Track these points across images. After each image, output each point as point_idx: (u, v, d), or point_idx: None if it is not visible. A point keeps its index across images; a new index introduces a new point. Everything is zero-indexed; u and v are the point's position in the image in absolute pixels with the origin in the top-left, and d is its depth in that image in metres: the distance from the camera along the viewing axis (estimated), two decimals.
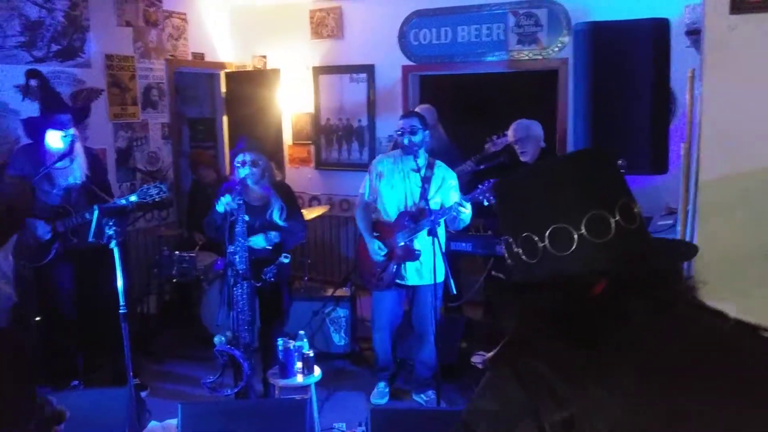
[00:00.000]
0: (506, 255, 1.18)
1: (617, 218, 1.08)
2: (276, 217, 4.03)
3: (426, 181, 4.09)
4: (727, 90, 2.09)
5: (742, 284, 1.92)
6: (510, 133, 4.74)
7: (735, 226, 1.97)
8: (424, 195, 4.07)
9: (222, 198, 3.88)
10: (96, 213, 3.59)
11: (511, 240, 1.16)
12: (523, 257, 1.13)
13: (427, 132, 4.18)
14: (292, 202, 4.23)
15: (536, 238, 1.10)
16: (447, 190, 4.12)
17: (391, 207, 4.23)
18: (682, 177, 2.81)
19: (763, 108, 2.03)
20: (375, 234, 4.26)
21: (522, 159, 4.69)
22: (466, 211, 3.95)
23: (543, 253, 1.10)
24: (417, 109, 5.27)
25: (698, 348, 1.06)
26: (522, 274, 1.14)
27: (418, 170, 4.03)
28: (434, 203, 4.06)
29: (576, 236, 1.08)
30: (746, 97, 2.05)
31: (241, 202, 3.88)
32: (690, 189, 2.57)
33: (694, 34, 3.74)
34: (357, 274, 4.76)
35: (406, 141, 4.06)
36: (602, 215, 1.08)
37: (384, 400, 4.49)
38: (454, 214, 3.93)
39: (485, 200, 3.84)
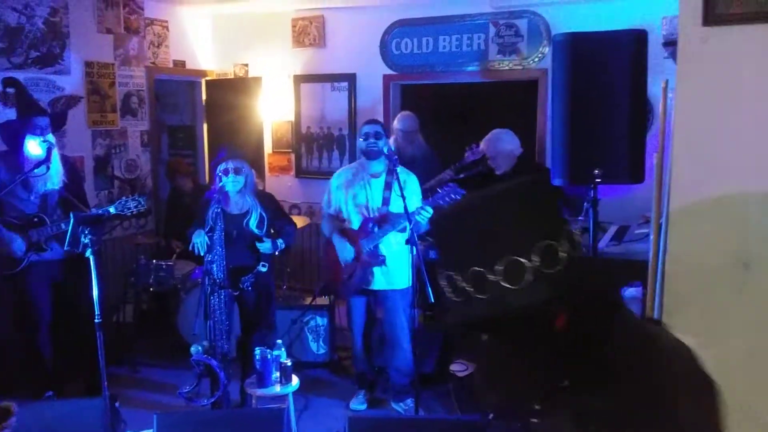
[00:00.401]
0: (450, 291, 1.14)
1: (565, 247, 1.08)
2: (252, 225, 4.02)
3: (388, 186, 4.15)
4: (699, 101, 2.11)
5: (715, 291, 1.93)
6: (482, 146, 4.76)
7: (707, 234, 1.99)
8: (387, 200, 4.14)
9: (197, 239, 3.90)
10: (72, 221, 3.54)
11: (454, 275, 1.13)
12: (473, 291, 1.10)
13: (387, 139, 4.30)
14: (278, 208, 4.32)
15: (487, 274, 1.07)
16: (410, 194, 4.13)
17: (354, 215, 4.26)
18: (654, 186, 2.83)
19: (733, 119, 2.05)
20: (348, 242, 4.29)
21: (497, 172, 4.70)
22: (426, 215, 3.95)
23: (494, 288, 1.07)
24: (399, 116, 5.30)
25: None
26: (475, 310, 1.10)
27: (389, 173, 4.09)
28: (397, 207, 4.08)
29: (529, 268, 1.06)
30: (718, 108, 2.07)
31: (219, 210, 3.87)
32: (663, 198, 2.59)
33: (671, 45, 3.79)
34: (326, 282, 4.81)
35: (373, 146, 4.14)
36: (552, 246, 1.08)
37: (362, 407, 4.48)
38: (417, 218, 3.93)
39: (444, 203, 3.87)
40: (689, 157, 2.12)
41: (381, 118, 6.18)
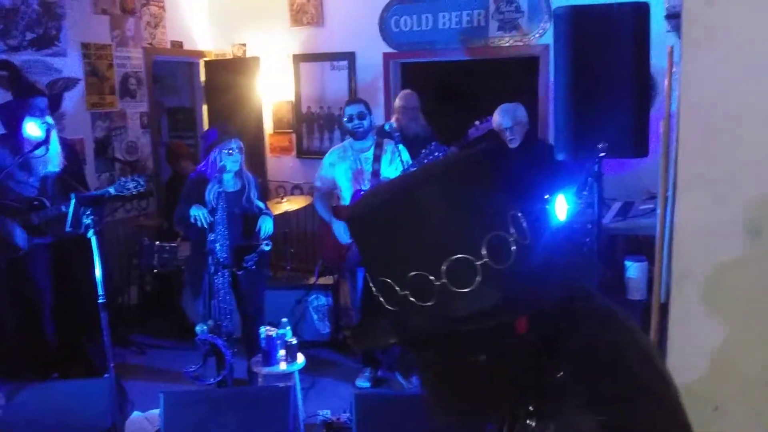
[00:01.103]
0: (383, 300, 0.95)
1: (514, 236, 0.91)
2: (254, 197, 4.06)
3: (377, 159, 4.25)
4: (706, 65, 2.08)
5: (722, 259, 1.92)
6: (495, 119, 4.67)
7: (715, 202, 1.98)
8: (377, 173, 4.23)
9: (195, 211, 3.87)
10: (73, 202, 3.53)
11: (389, 281, 0.93)
12: (413, 300, 0.91)
13: (372, 117, 4.43)
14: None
15: (430, 277, 0.90)
16: (397, 165, 4.16)
17: (347, 191, 4.38)
18: (661, 156, 2.81)
19: (741, 82, 2.03)
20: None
21: (511, 145, 4.64)
22: None
23: (441, 293, 0.90)
24: (400, 95, 5.26)
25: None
26: (421, 321, 0.92)
27: (377, 146, 4.25)
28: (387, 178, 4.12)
29: (479, 266, 0.89)
30: (725, 71, 2.05)
31: (221, 190, 3.86)
32: (669, 167, 2.58)
33: (674, 17, 3.75)
34: (325, 260, 4.89)
35: (359, 127, 4.29)
36: (501, 236, 0.91)
37: (367, 384, 4.51)
38: None
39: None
40: (696, 123, 2.10)
41: (382, 98, 6.17)
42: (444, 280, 0.89)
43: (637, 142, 3.37)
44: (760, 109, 1.98)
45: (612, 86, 3.31)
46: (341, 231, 4.31)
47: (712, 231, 1.94)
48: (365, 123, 4.31)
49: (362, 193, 4.27)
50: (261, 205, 4.12)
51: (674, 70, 3.28)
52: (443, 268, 0.89)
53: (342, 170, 4.40)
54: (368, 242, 0.97)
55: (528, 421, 0.97)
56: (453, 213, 0.90)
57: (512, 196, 0.96)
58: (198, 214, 3.83)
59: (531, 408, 0.97)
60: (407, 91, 5.30)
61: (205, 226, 3.80)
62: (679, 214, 2.05)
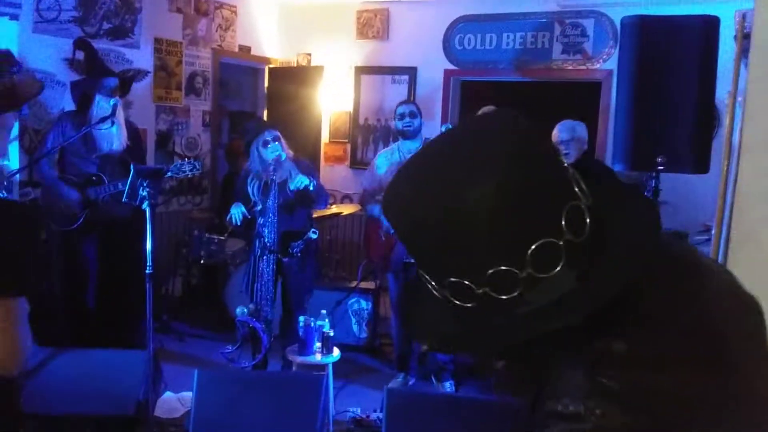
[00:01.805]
0: (456, 300, 0.87)
1: (567, 236, 0.83)
2: (299, 183, 3.95)
3: None
4: None
5: None
6: (554, 132, 4.64)
7: None
8: None
9: (234, 210, 3.98)
10: (132, 172, 3.62)
11: (465, 282, 0.85)
12: (494, 295, 0.84)
13: (422, 119, 4.49)
14: (311, 168, 4.30)
15: (514, 270, 0.83)
16: None
17: None
18: (722, 170, 2.74)
19: None
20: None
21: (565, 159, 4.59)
22: None
23: (526, 283, 0.83)
24: (483, 109, 5.25)
25: None
26: (505, 318, 0.85)
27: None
28: None
29: (562, 246, 0.82)
30: None
31: (269, 179, 3.90)
32: (733, 152, 2.48)
33: (744, 38, 3.68)
34: (369, 260, 4.85)
35: (408, 126, 4.33)
36: (575, 206, 0.84)
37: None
38: None
39: None
40: (761, 134, 2.03)
41: (439, 113, 6.20)
42: (530, 270, 0.82)
43: (698, 157, 3.30)
44: None
45: (676, 98, 3.27)
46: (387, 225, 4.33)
47: None
48: (415, 122, 4.37)
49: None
50: (305, 182, 3.97)
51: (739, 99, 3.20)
52: (528, 256, 0.82)
53: (391, 171, 4.38)
54: (428, 249, 0.88)
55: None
56: (523, 200, 0.82)
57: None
58: (234, 212, 3.95)
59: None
60: (491, 107, 5.31)
61: (238, 224, 3.89)
62: (741, 180, 1.98)
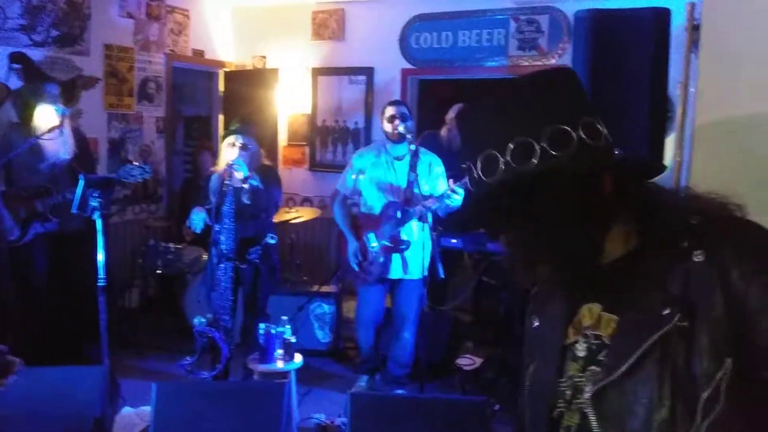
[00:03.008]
0: (481, 170, 1.07)
1: (605, 131, 1.05)
2: (243, 198, 3.83)
3: (413, 169, 3.98)
4: (725, 38, 2.03)
5: None
6: None
7: (731, 182, 1.89)
8: (412, 183, 3.98)
9: (195, 216, 3.90)
10: (81, 183, 3.50)
11: (494, 152, 1.05)
12: (515, 164, 1.03)
13: (412, 121, 4.18)
14: (270, 178, 4.12)
15: (533, 141, 1.02)
16: (435, 177, 4.05)
17: (376, 199, 4.13)
18: (674, 168, 2.75)
19: (761, 57, 1.97)
20: (366, 230, 4.16)
21: None
22: (458, 198, 3.84)
23: (542, 154, 1.01)
24: (454, 107, 5.22)
25: None
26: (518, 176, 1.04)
27: (414, 154, 3.95)
28: (423, 191, 3.98)
29: (575, 137, 1.01)
30: (745, 45, 2.00)
31: (229, 184, 3.82)
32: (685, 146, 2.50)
33: (695, 30, 3.71)
34: (343, 269, 4.54)
35: (400, 128, 3.98)
36: (594, 122, 1.04)
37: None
38: (447, 202, 3.83)
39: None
40: (715, 100, 2.04)
41: None
42: (544, 144, 1.02)
43: (653, 150, 3.30)
44: None
45: (629, 91, 3.26)
46: (352, 253, 4.14)
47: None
48: (407, 125, 4.02)
49: (394, 204, 4.04)
50: (246, 202, 3.83)
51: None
52: (547, 135, 1.02)
53: (374, 177, 4.14)
54: (479, 123, 1.11)
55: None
56: (560, 96, 1.06)
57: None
58: (195, 218, 3.90)
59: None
60: (460, 104, 5.28)
61: (197, 232, 3.79)
62: (695, 170, 1.97)
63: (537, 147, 1.01)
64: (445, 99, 6.32)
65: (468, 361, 4.77)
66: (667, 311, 0.96)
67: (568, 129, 1.01)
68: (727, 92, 2.30)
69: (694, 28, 3.71)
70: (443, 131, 5.10)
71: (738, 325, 0.93)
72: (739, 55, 2.36)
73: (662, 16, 3.27)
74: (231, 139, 3.96)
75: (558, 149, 1.01)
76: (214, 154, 6.03)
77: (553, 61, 5.56)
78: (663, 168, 1.10)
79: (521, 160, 1.02)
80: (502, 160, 1.03)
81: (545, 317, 1.18)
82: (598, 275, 1.07)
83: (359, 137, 6.45)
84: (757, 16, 2.53)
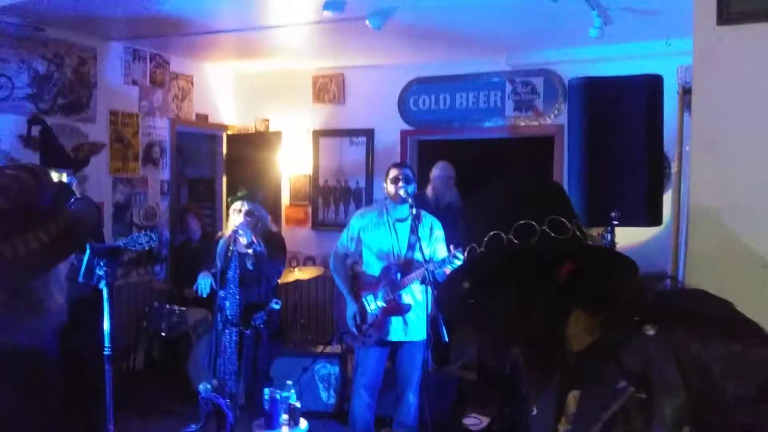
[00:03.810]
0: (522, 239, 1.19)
1: (575, 222, 1.18)
2: (247, 264, 3.96)
3: (413, 231, 3.99)
4: (717, 101, 2.11)
5: (736, 293, 1.88)
6: None
7: (727, 236, 1.95)
8: (413, 246, 4.00)
9: (202, 281, 3.95)
10: (88, 252, 3.55)
11: (473, 245, 1.21)
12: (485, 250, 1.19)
13: (415, 185, 4.16)
14: (274, 245, 4.18)
15: (502, 234, 1.18)
16: (435, 240, 4.07)
17: (375, 260, 4.11)
18: (672, 220, 2.81)
19: (751, 117, 2.05)
20: (365, 291, 4.15)
21: None
22: (460, 263, 3.86)
23: (508, 243, 1.17)
24: (437, 165, 5.32)
25: None
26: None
27: (416, 217, 3.97)
28: (425, 254, 3.99)
29: (539, 230, 1.15)
30: (735, 107, 2.08)
31: (234, 248, 3.89)
32: (683, 203, 2.56)
33: (687, 93, 3.82)
34: (341, 331, 4.42)
35: (402, 191, 3.99)
36: (561, 220, 1.17)
37: None
38: (448, 266, 3.86)
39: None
40: (708, 159, 2.11)
41: None
42: (545, 228, 1.15)
43: (651, 210, 3.37)
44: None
45: (626, 155, 3.35)
46: (351, 316, 4.07)
47: (725, 264, 1.91)
48: (409, 188, 3.99)
49: (394, 266, 4.04)
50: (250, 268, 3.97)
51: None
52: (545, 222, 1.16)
53: (375, 237, 4.11)
54: (476, 215, 1.27)
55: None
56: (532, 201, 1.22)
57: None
58: (200, 283, 3.92)
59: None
60: (443, 162, 5.39)
61: (204, 296, 3.83)
62: (691, 247, 2.03)
63: (505, 238, 1.16)
64: (445, 159, 6.45)
65: (475, 421, 4.75)
66: (622, 384, 1.04)
67: (534, 223, 1.15)
68: (721, 101, 2.36)
69: (686, 92, 3.83)
70: (428, 190, 5.18)
71: (699, 394, 0.99)
72: (729, 114, 2.42)
73: (655, 82, 3.39)
74: (237, 205, 4.04)
75: (522, 239, 1.15)
76: (198, 217, 6.11)
77: (548, 121, 5.69)
78: (628, 261, 1.18)
79: (491, 248, 1.17)
80: (478, 249, 1.19)
81: (540, 406, 1.26)
82: (575, 363, 1.16)
83: (360, 196, 6.55)
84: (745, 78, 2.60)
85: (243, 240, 3.93)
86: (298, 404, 3.76)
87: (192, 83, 6.76)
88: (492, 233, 1.17)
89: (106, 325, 3.49)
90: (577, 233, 1.16)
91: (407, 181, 4.02)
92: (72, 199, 1.63)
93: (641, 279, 1.18)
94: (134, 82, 6.18)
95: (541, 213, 1.15)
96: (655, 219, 3.38)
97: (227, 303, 3.76)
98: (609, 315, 1.13)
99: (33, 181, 1.50)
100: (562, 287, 1.15)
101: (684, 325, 1.05)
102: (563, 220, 1.15)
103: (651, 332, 1.04)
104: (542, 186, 1.29)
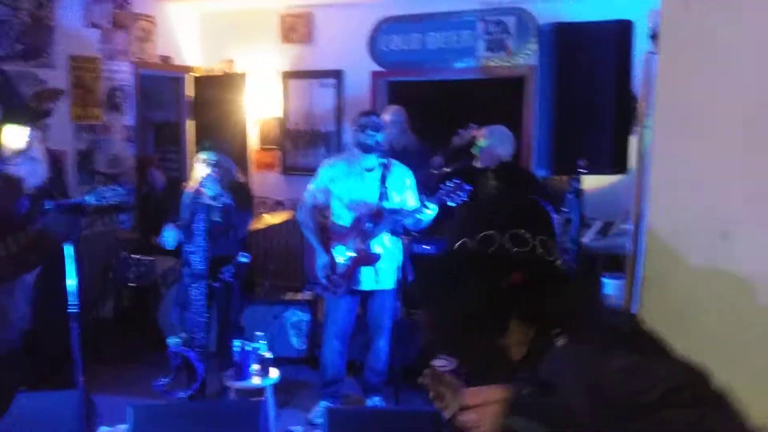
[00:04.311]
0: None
1: (540, 239, 1.28)
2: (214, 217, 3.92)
3: (383, 180, 3.96)
4: (681, 71, 2.07)
5: (693, 262, 1.89)
6: (483, 131, 4.67)
7: (686, 205, 1.95)
8: (383, 195, 3.97)
9: (167, 234, 3.88)
10: (51, 212, 3.46)
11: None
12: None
13: (385, 132, 4.09)
14: (241, 196, 4.14)
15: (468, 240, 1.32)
16: (405, 189, 4.04)
17: (346, 211, 4.05)
18: (635, 167, 2.80)
19: (714, 89, 2.01)
20: (335, 242, 4.12)
21: (476, 164, 4.62)
22: (431, 213, 3.85)
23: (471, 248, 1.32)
24: (387, 109, 5.24)
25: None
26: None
27: (386, 167, 3.94)
28: (394, 203, 3.98)
29: (498, 241, 1.28)
30: (700, 76, 2.04)
31: (200, 201, 3.82)
32: (644, 180, 2.56)
33: (655, 38, 3.76)
34: (311, 281, 4.44)
35: (370, 140, 3.92)
36: (522, 235, 1.28)
37: (320, 419, 4.08)
38: (419, 216, 3.85)
39: (450, 201, 3.75)
40: (671, 129, 2.09)
41: None
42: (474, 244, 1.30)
43: (617, 158, 3.35)
44: (733, 112, 1.96)
45: (594, 103, 3.31)
46: (322, 266, 4.04)
47: (683, 233, 1.91)
48: (378, 136, 3.93)
49: (365, 216, 3.98)
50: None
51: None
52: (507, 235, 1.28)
53: (344, 188, 4.04)
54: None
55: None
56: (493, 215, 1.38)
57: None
58: (165, 236, 3.87)
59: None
60: (394, 106, 5.31)
61: (169, 248, 3.78)
62: (650, 217, 2.02)
63: (470, 244, 1.29)
64: (416, 101, 6.36)
65: (443, 363, 4.82)
66: (527, 390, 1.14)
67: (494, 234, 1.27)
68: (687, 71, 2.32)
69: (654, 37, 3.77)
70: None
71: (600, 401, 1.05)
72: (698, 45, 2.37)
73: (625, 28, 3.32)
74: (202, 155, 3.95)
75: (483, 247, 1.26)
76: (159, 167, 6.01)
77: (521, 62, 5.59)
78: (583, 281, 1.32)
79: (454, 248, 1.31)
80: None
81: None
82: (515, 371, 1.25)
83: (330, 140, 6.45)
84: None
85: (209, 192, 3.87)
86: (268, 355, 3.77)
87: (155, 24, 6.52)
88: (462, 240, 1.29)
89: (72, 282, 3.45)
90: (540, 249, 1.26)
91: (376, 129, 3.94)
92: (49, 207, 1.57)
93: (578, 295, 1.26)
94: (94, 25, 5.93)
95: (507, 227, 1.27)
96: (621, 167, 3.36)
97: (194, 257, 3.72)
98: (538, 326, 1.22)
99: (7, 190, 1.43)
100: (504, 295, 1.24)
101: (594, 337, 1.13)
102: (526, 235, 1.26)
103: (561, 343, 1.15)
104: (519, 204, 1.40)
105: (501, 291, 1.24)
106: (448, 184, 3.76)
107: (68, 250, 3.41)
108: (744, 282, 1.78)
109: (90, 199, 3.89)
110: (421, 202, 3.87)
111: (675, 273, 1.91)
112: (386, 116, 5.19)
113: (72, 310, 3.43)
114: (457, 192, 3.73)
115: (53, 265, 4.06)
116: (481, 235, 1.27)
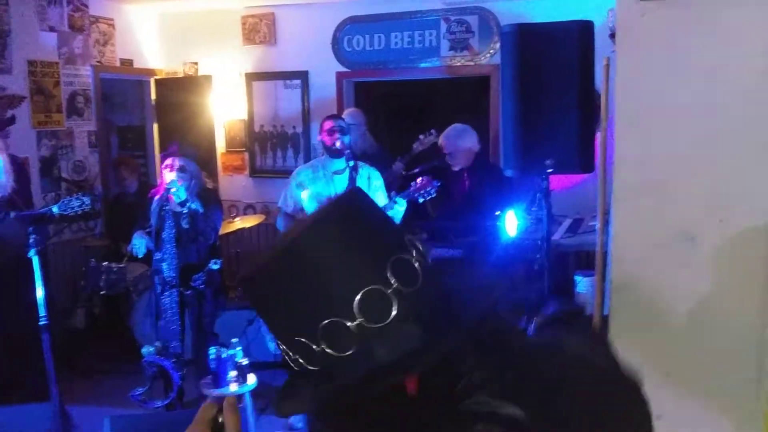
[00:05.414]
0: (304, 362, 0.86)
1: (395, 285, 0.82)
2: (184, 224, 3.92)
3: (352, 182, 4.00)
4: (640, 75, 2.14)
5: (661, 267, 1.96)
6: (441, 141, 4.77)
7: (652, 209, 2.02)
8: None
9: (137, 241, 3.87)
10: (14, 221, 3.42)
11: (303, 340, 0.84)
12: (332, 352, 0.83)
13: (350, 135, 4.15)
14: (210, 201, 4.14)
15: (345, 321, 0.82)
16: (374, 190, 4.09)
17: None
18: (599, 165, 2.88)
19: (673, 92, 2.09)
20: None
21: (454, 168, 4.71)
22: (401, 209, 3.92)
23: (360, 335, 0.82)
24: (345, 113, 5.26)
25: None
26: (346, 376, 0.83)
27: (354, 169, 3.97)
28: None
29: (391, 294, 0.82)
30: (658, 81, 2.11)
31: (168, 207, 3.80)
32: (608, 182, 2.63)
33: (613, 36, 3.85)
34: None
35: (338, 143, 3.97)
36: (405, 259, 0.84)
37: (300, 425, 4.24)
38: (389, 213, 3.89)
39: (420, 197, 3.83)
40: (632, 132, 2.16)
41: None
42: (360, 320, 0.81)
43: (584, 157, 3.42)
44: (693, 116, 2.03)
45: (558, 103, 3.37)
46: None
47: (650, 238, 1.98)
48: (345, 140, 3.98)
49: None
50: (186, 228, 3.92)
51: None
52: (355, 306, 0.81)
53: (312, 193, 4.08)
54: (269, 304, 0.88)
55: None
56: (347, 250, 0.84)
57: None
58: (134, 243, 3.86)
59: None
60: (352, 108, 5.35)
61: (140, 256, 3.76)
62: (616, 222, 2.09)
63: None
64: (382, 101, 6.40)
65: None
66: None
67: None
68: (643, 76, 2.39)
69: (612, 35, 3.85)
70: None
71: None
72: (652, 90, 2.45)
73: (586, 28, 3.39)
74: (168, 161, 3.93)
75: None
76: (134, 169, 5.94)
77: (484, 61, 5.66)
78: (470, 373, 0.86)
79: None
80: None
81: None
82: None
83: (298, 141, 6.44)
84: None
85: (176, 198, 3.85)
86: (244, 361, 3.77)
87: (114, 27, 6.43)
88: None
89: (40, 293, 3.41)
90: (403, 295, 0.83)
91: (342, 132, 4.01)
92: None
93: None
94: (52, 29, 5.83)
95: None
96: (587, 166, 3.44)
97: (164, 265, 3.70)
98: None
99: None
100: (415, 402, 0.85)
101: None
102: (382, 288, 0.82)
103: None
104: None
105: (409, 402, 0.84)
106: (419, 180, 3.86)
107: (35, 261, 3.37)
108: (709, 284, 1.85)
109: (56, 210, 3.86)
110: (390, 198, 3.92)
111: (643, 276, 1.98)
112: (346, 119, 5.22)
113: (42, 321, 3.39)
114: (427, 188, 3.81)
115: (10, 277, 4.01)
116: None
